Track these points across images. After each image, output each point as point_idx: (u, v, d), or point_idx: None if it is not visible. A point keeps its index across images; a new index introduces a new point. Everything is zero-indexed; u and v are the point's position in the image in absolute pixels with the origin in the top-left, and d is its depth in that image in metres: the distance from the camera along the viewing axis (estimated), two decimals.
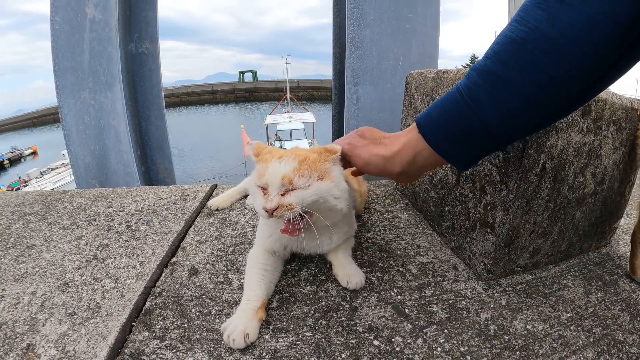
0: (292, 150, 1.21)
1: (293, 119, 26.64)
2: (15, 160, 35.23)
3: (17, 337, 1.06)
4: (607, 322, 1.21)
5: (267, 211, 1.06)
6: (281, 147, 19.25)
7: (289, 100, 31.05)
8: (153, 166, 3.83)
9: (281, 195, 1.08)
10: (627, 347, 1.12)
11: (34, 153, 37.43)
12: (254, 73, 71.72)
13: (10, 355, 1.00)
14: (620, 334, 1.16)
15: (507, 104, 0.86)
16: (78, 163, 3.26)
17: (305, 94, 57.06)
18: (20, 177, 25.17)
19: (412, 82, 1.87)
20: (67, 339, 1.05)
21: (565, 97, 0.81)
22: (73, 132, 3.21)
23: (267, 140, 24.75)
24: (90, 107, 3.19)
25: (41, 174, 24.84)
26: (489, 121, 0.89)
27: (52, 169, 25.45)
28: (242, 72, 71.26)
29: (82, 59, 3.13)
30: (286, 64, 37.71)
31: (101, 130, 3.22)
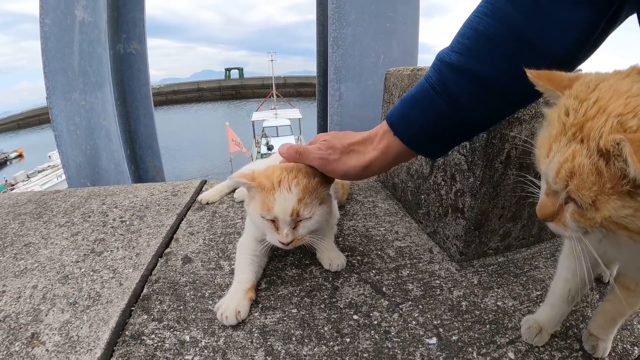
0: (286, 167, 1.22)
1: (279, 116, 26.47)
2: (0, 164, 34.84)
3: (21, 328, 1.13)
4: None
5: (283, 244, 1.18)
6: (267, 143, 18.93)
7: (275, 97, 30.92)
8: (143, 164, 3.89)
9: (293, 229, 1.19)
10: None
11: (20, 156, 36.95)
12: (240, 70, 70.91)
13: (16, 344, 1.07)
14: (590, 311, 1.27)
15: (488, 102, 0.93)
16: (70, 163, 3.31)
17: (292, 90, 56.57)
18: (7, 181, 24.84)
19: (391, 79, 1.98)
20: (70, 325, 1.13)
21: None
22: (64, 133, 3.25)
23: (254, 137, 24.63)
24: (81, 107, 3.24)
25: (28, 176, 24.58)
26: (470, 118, 0.97)
27: (39, 172, 25.21)
28: (228, 70, 70.42)
29: (72, 60, 3.17)
30: (272, 60, 37.53)
31: (92, 130, 3.27)
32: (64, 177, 3.52)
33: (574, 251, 0.97)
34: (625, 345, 1.13)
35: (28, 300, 1.25)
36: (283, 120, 25.56)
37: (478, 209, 1.37)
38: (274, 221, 1.17)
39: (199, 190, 2.07)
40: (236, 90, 62.36)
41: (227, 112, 50.20)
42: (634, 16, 0.80)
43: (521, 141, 1.33)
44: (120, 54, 3.67)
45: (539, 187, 0.79)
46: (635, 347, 1.13)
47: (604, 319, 1.06)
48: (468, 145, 1.35)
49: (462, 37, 0.91)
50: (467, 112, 0.95)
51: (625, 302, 0.98)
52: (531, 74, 0.74)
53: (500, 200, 1.41)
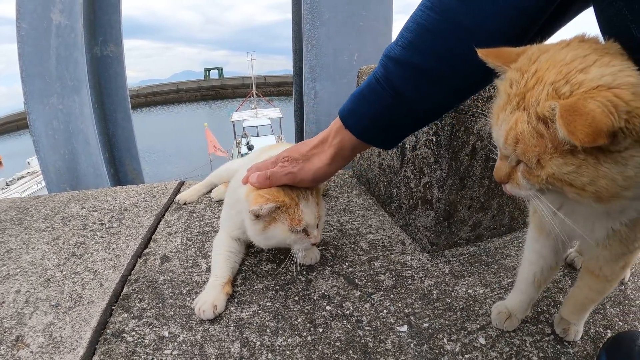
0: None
1: (259, 115, 26.35)
2: None
3: (5, 332, 1.15)
4: (549, 285, 1.37)
5: (315, 244, 1.27)
6: (248, 143, 18.82)
7: (255, 96, 30.78)
8: (122, 168, 3.89)
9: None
10: None
11: None
12: (220, 70, 70.18)
13: (1, 348, 1.09)
14: (561, 296, 1.33)
15: (432, 93, 0.98)
16: (49, 168, 3.29)
17: (273, 89, 56.18)
18: None
19: (363, 77, 2.03)
20: (53, 327, 1.16)
21: (481, 75, 0.89)
22: (42, 138, 3.24)
23: (235, 138, 24.52)
24: (59, 111, 3.22)
25: (7, 184, 24.24)
26: (415, 109, 1.02)
27: (18, 179, 24.87)
28: (207, 70, 69.67)
29: (49, 64, 3.16)
30: (251, 60, 37.38)
31: (70, 135, 3.26)
32: (43, 183, 3.49)
33: (536, 230, 1.06)
34: (597, 329, 1.19)
35: (12, 304, 1.27)
36: (263, 120, 25.46)
37: (446, 200, 1.43)
38: (304, 230, 1.24)
39: (176, 191, 2.10)
40: (216, 91, 61.74)
41: (207, 113, 49.73)
42: None
43: (486, 134, 1.39)
44: (97, 56, 3.67)
45: None
46: (608, 330, 1.19)
47: (574, 305, 1.12)
48: (434, 139, 1.40)
49: (406, 32, 0.95)
50: (412, 103, 1.00)
51: (593, 289, 1.04)
52: (481, 52, 0.80)
53: (468, 191, 1.46)
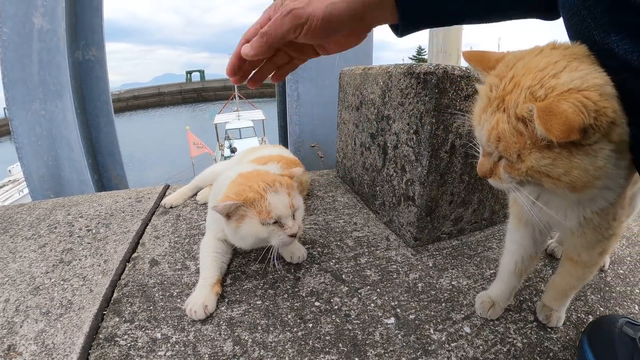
0: (250, 176, 1.35)
1: (242, 118, 26.07)
2: None
3: None
4: (531, 275, 1.42)
5: (293, 236, 1.28)
6: (230, 146, 18.68)
7: (237, 98, 30.57)
8: (105, 173, 3.86)
9: (293, 219, 1.30)
10: None
11: None
12: (202, 72, 69.45)
13: None
14: (543, 285, 1.38)
15: None
16: (32, 175, 3.26)
17: (255, 91, 55.65)
18: None
19: (345, 78, 2.07)
20: (45, 334, 1.17)
21: None
22: (25, 144, 3.21)
23: (217, 140, 24.33)
24: (42, 117, 3.20)
25: None
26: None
27: (0, 187, 24.50)
28: (189, 72, 68.90)
29: (31, 69, 3.13)
30: None
31: (53, 141, 3.23)
32: (26, 191, 3.43)
33: (516, 221, 1.12)
34: (579, 315, 1.24)
35: (1, 314, 1.27)
36: (246, 122, 25.21)
37: (427, 196, 1.47)
38: (276, 222, 1.26)
39: (162, 195, 2.12)
40: (198, 93, 61.11)
41: (189, 116, 49.19)
42: None
43: (465, 132, 1.43)
44: (80, 61, 3.62)
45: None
46: (590, 316, 1.24)
47: (555, 291, 1.17)
48: (415, 138, 1.45)
49: None
50: None
51: (573, 275, 1.09)
52: (465, 54, 0.88)
53: (448, 187, 1.51)
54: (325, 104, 3.02)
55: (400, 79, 1.52)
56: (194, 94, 61.05)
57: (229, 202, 1.21)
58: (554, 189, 0.75)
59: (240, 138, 23.59)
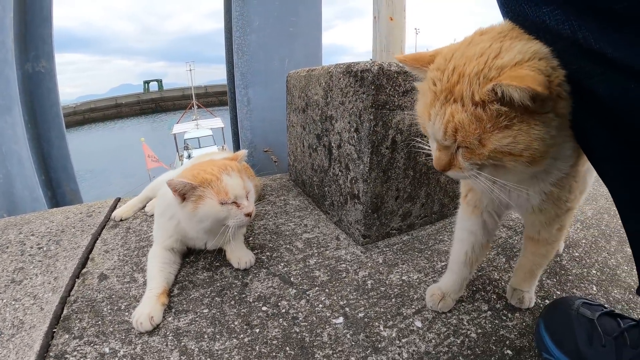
0: (203, 163, 1.42)
1: (201, 126, 25.76)
2: None
3: None
4: (483, 265, 1.46)
5: (249, 215, 1.33)
6: (189, 156, 18.54)
7: (195, 107, 30.28)
8: (59, 189, 3.79)
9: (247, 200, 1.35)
10: (502, 283, 1.38)
11: None
12: (159, 82, 68.21)
13: None
14: (496, 274, 1.42)
15: None
16: None
17: (214, 99, 54.70)
18: None
19: (291, 81, 2.10)
20: None
21: None
22: None
23: (177, 151, 24.05)
24: None
25: None
26: None
27: None
28: (146, 82, 67.50)
29: None
30: (190, 70, 36.83)
31: (4, 157, 3.13)
32: None
33: (467, 208, 1.17)
34: (536, 300, 1.27)
35: None
36: (205, 131, 24.86)
37: (372, 192, 1.50)
38: (234, 202, 1.31)
39: (113, 208, 2.10)
40: (156, 104, 59.96)
41: (149, 127, 48.08)
42: None
43: (405, 126, 1.46)
44: (29, 73, 3.55)
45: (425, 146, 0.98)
46: (546, 300, 1.28)
47: (523, 273, 1.21)
48: (355, 136, 1.47)
49: None
50: None
51: (537, 254, 1.14)
52: (399, 57, 0.93)
53: (393, 183, 1.54)
54: (276, 108, 3.02)
55: (340, 79, 1.55)
56: (152, 104, 59.91)
57: (185, 181, 1.25)
58: (514, 165, 0.78)
59: (200, 147, 23.30)
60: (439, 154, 0.87)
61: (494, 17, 0.96)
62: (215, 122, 26.86)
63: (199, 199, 1.28)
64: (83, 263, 1.58)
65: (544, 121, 0.74)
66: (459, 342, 1.13)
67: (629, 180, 0.78)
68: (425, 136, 0.95)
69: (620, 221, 0.87)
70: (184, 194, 1.29)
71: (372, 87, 1.38)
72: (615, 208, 0.87)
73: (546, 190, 0.97)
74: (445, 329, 1.18)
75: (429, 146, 0.95)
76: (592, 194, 2.18)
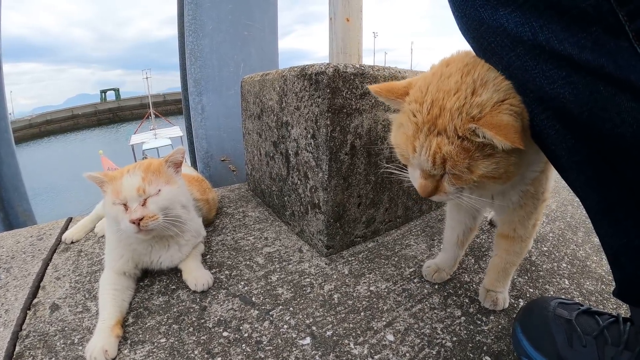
0: (135, 164, 1.38)
1: (159, 136, 25.54)
2: None
3: None
4: (454, 269, 1.44)
5: (133, 222, 1.25)
6: None
7: (153, 116, 30.00)
8: (11, 210, 3.65)
9: (142, 205, 1.28)
10: (473, 286, 1.38)
11: None
12: (117, 91, 67.67)
13: None
14: (467, 276, 1.42)
15: None
16: None
17: (173, 107, 53.73)
18: None
19: (245, 86, 2.06)
20: None
21: None
22: None
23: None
24: None
25: None
26: None
27: None
28: (103, 91, 67.03)
29: None
30: (147, 78, 36.49)
31: None
32: None
33: (455, 205, 1.29)
34: (510, 300, 1.28)
35: None
36: (164, 141, 24.58)
37: (333, 201, 1.48)
38: (125, 205, 1.28)
39: (64, 229, 2.02)
40: (114, 113, 59.02)
41: (109, 138, 47.27)
42: None
43: (364, 131, 1.44)
44: None
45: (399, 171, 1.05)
46: (520, 300, 1.30)
47: (496, 273, 1.24)
48: (313, 142, 1.44)
49: None
50: None
51: (511, 252, 1.18)
52: (372, 88, 0.99)
53: (354, 190, 1.51)
54: (232, 115, 3.02)
55: (294, 82, 1.52)
56: (110, 114, 59.05)
57: (95, 174, 1.31)
58: (492, 185, 0.89)
59: (159, 157, 23.05)
60: (425, 182, 0.93)
61: (447, 18, 0.96)
62: (173, 131, 26.65)
63: (106, 194, 1.31)
64: (34, 292, 1.52)
65: (520, 150, 0.80)
66: (434, 352, 1.12)
67: (599, 186, 0.77)
68: (395, 161, 1.02)
69: (585, 212, 0.86)
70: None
71: (328, 91, 1.35)
72: (578, 199, 0.87)
73: (523, 189, 1.07)
74: (419, 341, 1.16)
75: (402, 172, 1.02)
76: (555, 187, 2.20)
